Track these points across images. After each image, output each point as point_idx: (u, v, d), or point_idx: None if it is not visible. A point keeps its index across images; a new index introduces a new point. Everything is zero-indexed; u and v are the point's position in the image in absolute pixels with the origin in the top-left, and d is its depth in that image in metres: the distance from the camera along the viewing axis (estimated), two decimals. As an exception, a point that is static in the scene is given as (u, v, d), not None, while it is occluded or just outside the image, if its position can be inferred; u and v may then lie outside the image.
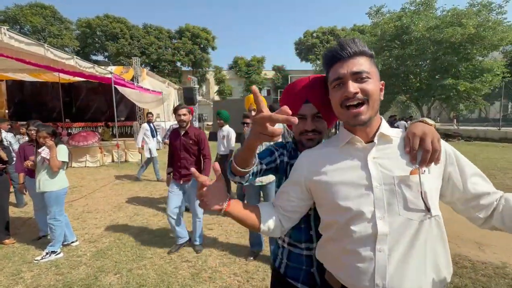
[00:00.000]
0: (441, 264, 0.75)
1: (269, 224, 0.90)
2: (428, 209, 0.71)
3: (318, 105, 0.97)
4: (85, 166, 8.38)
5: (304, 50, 33.62)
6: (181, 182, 3.01)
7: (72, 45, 28.72)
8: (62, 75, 8.49)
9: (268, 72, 34.31)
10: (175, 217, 2.96)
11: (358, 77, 0.75)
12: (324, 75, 0.92)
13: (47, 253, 2.89)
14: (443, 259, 0.76)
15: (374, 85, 0.76)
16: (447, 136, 15.19)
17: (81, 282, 2.47)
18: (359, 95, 0.75)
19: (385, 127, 0.82)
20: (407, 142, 0.78)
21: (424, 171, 0.74)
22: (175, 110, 3.01)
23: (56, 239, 2.93)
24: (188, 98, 16.92)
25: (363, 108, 0.76)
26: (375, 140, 0.79)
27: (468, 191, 0.78)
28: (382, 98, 0.82)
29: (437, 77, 16.21)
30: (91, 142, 8.38)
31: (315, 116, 0.99)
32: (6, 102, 11.11)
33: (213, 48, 33.42)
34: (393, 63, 16.98)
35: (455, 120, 21.46)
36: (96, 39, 29.75)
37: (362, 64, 0.76)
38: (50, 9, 27.99)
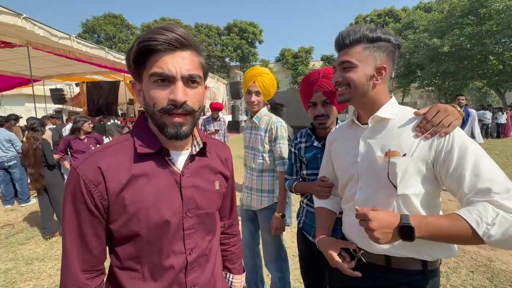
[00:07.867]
0: None
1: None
2: (395, 187, 0.79)
3: (326, 93, 1.20)
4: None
5: (357, 36, 31.17)
6: None
7: (137, 48, 32.35)
8: (126, 75, 9.61)
9: (316, 63, 32.93)
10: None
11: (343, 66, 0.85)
12: (331, 67, 1.08)
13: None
14: None
15: (357, 73, 0.83)
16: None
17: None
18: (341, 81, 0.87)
19: (384, 109, 0.85)
20: (426, 111, 0.81)
21: (405, 154, 0.78)
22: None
23: None
24: (234, 92, 17.40)
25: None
26: (369, 122, 0.87)
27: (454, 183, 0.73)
28: (379, 81, 0.84)
29: (526, 56, 13.30)
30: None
31: (324, 102, 1.22)
32: (84, 100, 13.17)
33: (260, 42, 33.61)
34: (465, 43, 14.52)
35: (553, 108, 17.39)
36: (156, 42, 32.85)
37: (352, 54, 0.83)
38: (119, 18, 31.94)
